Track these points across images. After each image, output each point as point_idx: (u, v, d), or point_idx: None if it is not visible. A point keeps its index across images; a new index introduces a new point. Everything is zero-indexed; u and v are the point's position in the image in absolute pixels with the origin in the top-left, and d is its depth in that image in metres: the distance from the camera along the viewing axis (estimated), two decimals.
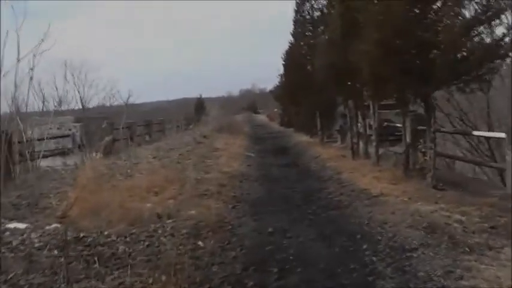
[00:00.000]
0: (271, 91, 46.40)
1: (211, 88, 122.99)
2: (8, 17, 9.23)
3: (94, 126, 17.16)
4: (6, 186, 8.75)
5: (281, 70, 26.10)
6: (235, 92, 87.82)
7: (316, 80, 16.20)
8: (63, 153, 14.68)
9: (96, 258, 4.34)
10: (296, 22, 20.02)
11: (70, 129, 14.84)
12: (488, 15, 7.53)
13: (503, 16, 7.66)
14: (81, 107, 27.25)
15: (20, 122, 10.10)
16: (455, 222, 6.06)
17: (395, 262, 4.83)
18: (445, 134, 16.80)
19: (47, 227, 5.56)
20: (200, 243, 5.54)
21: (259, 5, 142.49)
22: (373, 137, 12.48)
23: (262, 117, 64.96)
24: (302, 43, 19.78)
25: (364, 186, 9.06)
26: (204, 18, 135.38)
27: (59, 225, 5.68)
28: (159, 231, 5.70)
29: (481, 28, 7.69)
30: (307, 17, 18.99)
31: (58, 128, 14.92)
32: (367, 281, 4.43)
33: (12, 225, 5.64)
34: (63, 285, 3.73)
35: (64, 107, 25.37)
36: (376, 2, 8.73)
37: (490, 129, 17.64)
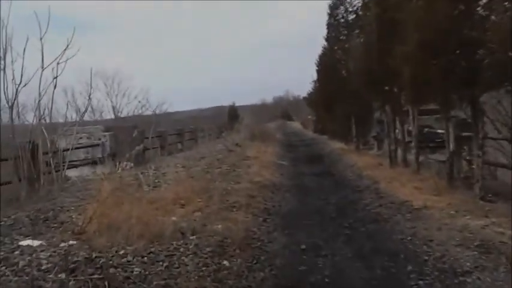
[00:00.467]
0: (304, 98, 45.78)
1: (245, 96, 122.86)
2: (33, 25, 9.05)
3: (124, 135, 16.93)
4: (30, 199, 8.50)
5: (315, 76, 25.53)
6: (269, 99, 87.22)
7: (351, 85, 15.59)
8: (93, 162, 14.47)
9: (106, 283, 3.89)
10: (330, 26, 19.41)
11: (100, 139, 14.59)
12: None
13: None
14: (113, 116, 27.24)
15: (44, 132, 9.82)
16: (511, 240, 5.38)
17: None
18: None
19: (62, 244, 5.16)
20: (225, 262, 5.05)
21: (294, 11, 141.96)
22: (412, 144, 11.77)
23: (295, 125, 64.35)
24: (336, 47, 19.18)
25: (404, 198, 8.40)
26: (239, 28, 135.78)
27: (74, 242, 5.28)
28: (181, 250, 5.22)
29: None
30: (342, 20, 18.39)
31: (88, 138, 14.70)
32: None
33: (25, 242, 5.25)
34: None
35: (97, 116, 25.40)
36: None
37: None
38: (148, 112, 22.64)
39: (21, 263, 4.23)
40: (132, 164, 15.74)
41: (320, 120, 33.01)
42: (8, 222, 6.16)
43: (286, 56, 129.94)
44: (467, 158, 10.12)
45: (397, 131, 13.67)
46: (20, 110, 9.68)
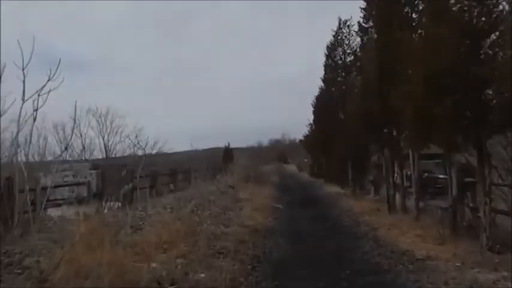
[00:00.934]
0: (301, 140, 45.44)
1: (241, 138, 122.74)
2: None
3: (113, 174, 16.34)
4: (1, 239, 7.86)
5: (311, 119, 25.21)
6: (265, 141, 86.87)
7: (348, 128, 15.18)
8: (78, 201, 13.82)
9: None
10: (327, 67, 19.18)
11: (85, 177, 14.00)
12: None
13: None
14: (105, 155, 26.67)
15: (23, 168, 9.23)
16: None
17: None
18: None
19: None
20: None
21: (289, 56, 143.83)
22: (412, 189, 11.22)
23: (291, 168, 63.84)
24: (333, 89, 18.90)
25: (406, 247, 7.81)
26: (237, 70, 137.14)
27: None
28: None
29: None
30: (339, 62, 18.15)
31: (74, 176, 14.12)
32: None
33: None
34: None
35: (88, 155, 24.83)
36: (420, 35, 7.71)
37: None
38: (141, 152, 22.02)
39: None
40: (119, 204, 15.11)
41: (316, 163, 32.55)
42: None
43: (283, 99, 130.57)
44: (471, 205, 9.56)
45: (395, 175, 13.16)
46: None
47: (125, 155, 23.06)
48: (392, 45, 9.84)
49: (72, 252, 5.73)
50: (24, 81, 8.82)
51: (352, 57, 17.24)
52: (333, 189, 22.20)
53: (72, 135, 9.52)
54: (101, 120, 29.44)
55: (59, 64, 8.80)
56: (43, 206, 9.37)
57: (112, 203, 14.82)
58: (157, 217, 10.37)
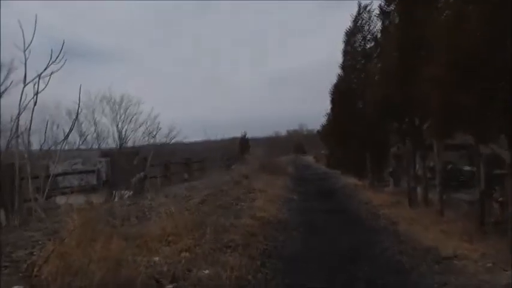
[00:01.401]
0: (318, 131, 44.71)
1: (258, 128, 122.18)
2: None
3: (125, 162, 15.95)
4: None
5: (329, 109, 24.45)
6: (283, 132, 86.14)
7: (368, 117, 14.49)
8: (87, 190, 13.45)
9: None
10: (346, 53, 18.40)
11: (95, 165, 13.60)
12: None
13: None
14: (118, 144, 26.27)
15: (25, 154, 8.84)
16: None
17: None
18: None
19: None
20: None
21: (309, 46, 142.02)
22: (435, 182, 10.57)
23: (308, 159, 63.18)
24: (352, 76, 18.16)
25: (429, 243, 7.21)
26: (255, 60, 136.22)
27: None
28: None
29: None
30: (359, 48, 17.40)
31: (82, 163, 13.74)
32: None
33: None
34: None
35: (101, 143, 24.46)
36: (447, 15, 7.04)
37: None
38: (154, 140, 21.59)
39: None
40: (130, 193, 14.73)
41: (333, 154, 31.86)
42: None
43: (302, 90, 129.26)
44: (500, 199, 8.89)
45: (417, 167, 12.51)
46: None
47: (139, 144, 22.60)
48: (416, 27, 9.17)
49: (65, 245, 5.27)
50: (25, 64, 8.42)
51: (373, 43, 16.46)
52: (350, 180, 21.56)
53: (75, 120, 9.04)
54: (115, 107, 29.00)
55: (62, 47, 8.39)
56: (45, 194, 8.99)
57: (123, 192, 14.47)
58: (165, 207, 9.92)
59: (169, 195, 12.23)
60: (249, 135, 51.30)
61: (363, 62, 17.15)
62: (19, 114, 8.06)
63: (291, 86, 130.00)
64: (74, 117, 10.01)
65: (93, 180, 13.58)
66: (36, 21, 8.27)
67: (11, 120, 8.50)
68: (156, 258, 5.95)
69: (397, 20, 11.33)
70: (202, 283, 4.86)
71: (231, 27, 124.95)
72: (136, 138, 26.35)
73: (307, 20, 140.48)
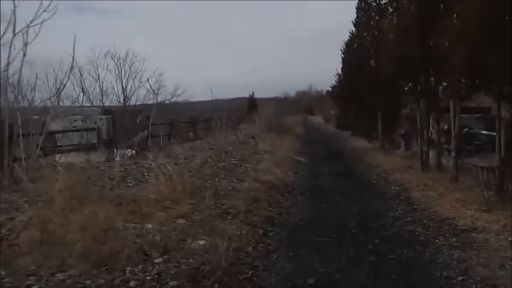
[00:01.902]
0: (328, 91, 43.79)
1: (268, 89, 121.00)
2: None
3: (127, 120, 15.46)
4: None
5: (339, 69, 23.59)
6: (292, 93, 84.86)
7: (380, 76, 13.78)
8: (89, 148, 13.00)
9: None
10: (359, 9, 17.48)
11: (95, 122, 13.11)
12: None
13: None
14: (122, 101, 25.69)
15: (17, 110, 8.31)
16: None
17: None
18: None
19: None
20: None
21: (321, 6, 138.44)
22: (451, 146, 9.99)
23: (317, 119, 62.40)
24: (365, 33, 17.32)
25: (445, 213, 6.70)
26: (264, 20, 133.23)
27: None
28: (131, 284, 3.63)
29: None
30: (373, 3, 16.51)
31: (83, 121, 13.24)
32: None
33: None
34: None
35: (104, 100, 23.91)
36: None
37: None
38: (159, 98, 21.00)
39: None
40: (133, 152, 14.29)
41: (343, 114, 31.17)
42: None
43: (311, 51, 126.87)
44: None
45: (431, 129, 11.90)
46: None
47: (144, 102, 22.05)
48: None
49: (49, 210, 4.82)
50: (14, 12, 7.79)
51: None
52: (360, 142, 20.98)
53: (69, 73, 8.40)
54: (120, 63, 28.22)
55: None
56: (38, 152, 8.50)
57: (126, 151, 14.02)
58: (169, 167, 9.45)
59: (171, 155, 11.76)
60: (258, 96, 50.61)
61: (377, 18, 16.30)
62: (8, 65, 7.47)
63: (301, 47, 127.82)
64: (85, 74, 9.40)
65: (93, 138, 13.11)
66: None
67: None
68: (150, 226, 5.50)
69: None
70: (195, 256, 4.39)
71: None
72: (140, 95, 25.81)
73: None
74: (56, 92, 8.51)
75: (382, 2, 16.14)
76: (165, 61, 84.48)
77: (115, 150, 13.53)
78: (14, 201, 5.95)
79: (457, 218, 6.30)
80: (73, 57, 8.59)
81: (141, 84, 26.75)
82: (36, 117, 9.83)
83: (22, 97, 8.66)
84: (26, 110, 9.43)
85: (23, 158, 8.33)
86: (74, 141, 13.13)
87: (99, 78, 25.84)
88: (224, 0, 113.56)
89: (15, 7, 7.80)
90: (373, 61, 16.46)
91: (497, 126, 7.84)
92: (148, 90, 24.53)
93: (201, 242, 4.88)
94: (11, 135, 8.18)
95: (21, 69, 7.80)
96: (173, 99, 24.18)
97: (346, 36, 19.59)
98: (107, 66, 27.58)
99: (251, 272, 4.31)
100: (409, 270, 4.53)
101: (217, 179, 8.63)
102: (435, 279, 4.29)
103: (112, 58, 28.08)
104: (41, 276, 3.57)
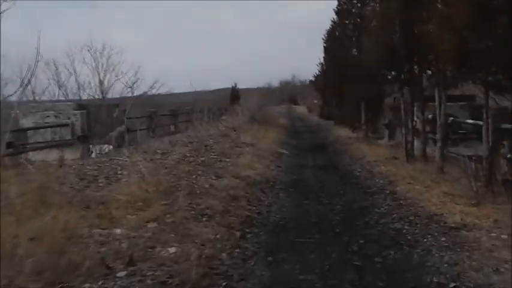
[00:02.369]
0: (311, 81, 43.54)
1: (251, 79, 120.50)
2: None
3: (103, 114, 14.93)
4: None
5: (322, 58, 23.25)
6: (275, 83, 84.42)
7: (363, 65, 13.44)
8: (63, 145, 12.48)
9: None
10: None
11: (69, 118, 12.58)
12: None
13: None
14: (100, 95, 25.00)
15: None
16: None
17: None
18: None
19: None
20: None
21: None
22: (437, 136, 9.70)
23: (301, 109, 62.26)
24: (347, 21, 16.96)
25: (432, 208, 6.38)
26: (247, 11, 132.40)
27: None
28: None
29: None
30: None
31: (56, 116, 12.72)
32: None
33: None
34: None
35: (81, 94, 23.26)
36: None
37: None
38: (138, 91, 20.43)
39: None
40: (111, 147, 13.82)
41: (326, 104, 30.90)
42: None
43: (294, 41, 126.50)
44: (508, 156, 8.04)
45: (415, 119, 11.62)
46: None
47: (122, 96, 21.48)
48: None
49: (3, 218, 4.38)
50: None
51: None
52: (343, 132, 20.72)
53: (34, 67, 7.87)
54: (97, 56, 27.49)
55: None
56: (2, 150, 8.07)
57: (103, 146, 13.54)
58: (145, 164, 8.99)
59: (148, 151, 11.31)
60: (241, 87, 50.10)
61: (359, 5, 15.94)
62: None
63: (285, 37, 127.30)
64: (61, 68, 8.91)
65: (67, 134, 12.60)
66: None
67: None
68: (118, 231, 5.10)
69: None
70: (163, 267, 3.99)
71: None
72: (118, 89, 25.19)
73: None
74: (21, 85, 8.03)
75: None
76: (146, 53, 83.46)
77: (90, 147, 13.05)
78: None
79: (445, 214, 5.97)
80: (38, 50, 8.15)
81: (116, 78, 26.06)
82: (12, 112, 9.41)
83: None
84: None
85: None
86: (47, 137, 12.62)
87: (75, 72, 25.17)
88: None
89: None
90: (355, 50, 16.13)
91: (485, 116, 7.54)
92: (125, 84, 23.89)
93: (172, 250, 4.48)
94: None
95: None
96: (152, 92, 23.52)
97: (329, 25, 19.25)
98: (84, 60, 26.90)
99: (225, 283, 3.92)
100: (396, 276, 4.18)
101: (194, 176, 8.23)
102: (425, 285, 3.94)
103: (88, 51, 27.37)
104: None
